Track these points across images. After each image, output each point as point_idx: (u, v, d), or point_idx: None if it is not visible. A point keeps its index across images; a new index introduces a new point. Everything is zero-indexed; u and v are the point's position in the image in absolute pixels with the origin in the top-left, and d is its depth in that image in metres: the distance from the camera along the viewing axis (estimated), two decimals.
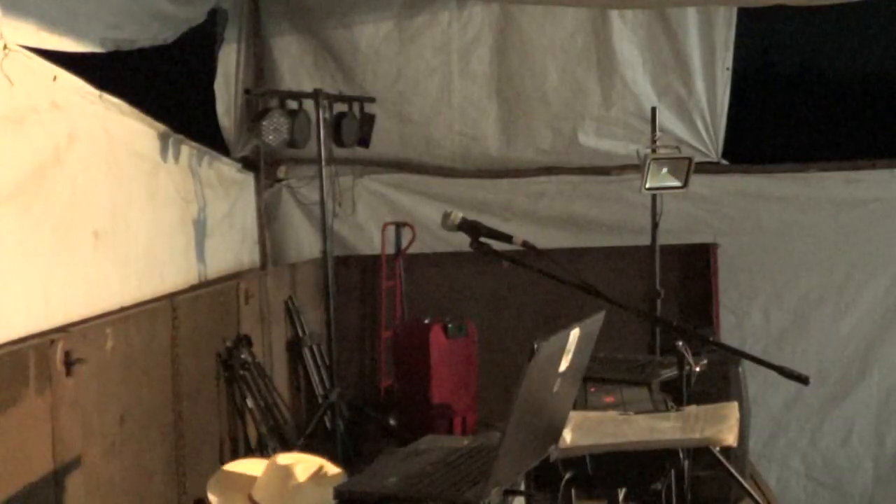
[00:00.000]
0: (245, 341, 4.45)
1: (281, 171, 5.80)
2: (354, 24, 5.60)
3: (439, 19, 5.62)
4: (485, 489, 2.21)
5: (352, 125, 5.13)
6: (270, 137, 4.65)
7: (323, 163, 4.87)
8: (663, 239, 4.88)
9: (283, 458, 2.78)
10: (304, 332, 5.33)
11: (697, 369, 3.44)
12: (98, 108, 3.75)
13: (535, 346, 2.11)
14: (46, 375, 2.90)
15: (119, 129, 3.92)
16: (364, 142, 5.25)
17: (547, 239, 5.34)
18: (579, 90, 5.65)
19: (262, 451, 4.44)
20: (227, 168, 5.29)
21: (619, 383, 3.80)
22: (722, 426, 2.98)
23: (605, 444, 2.93)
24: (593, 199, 5.75)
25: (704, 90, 5.61)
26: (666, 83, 5.62)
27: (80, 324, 3.23)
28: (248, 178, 5.62)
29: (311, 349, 5.35)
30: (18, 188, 3.12)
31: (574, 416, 2.98)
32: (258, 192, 5.71)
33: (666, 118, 5.44)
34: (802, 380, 2.67)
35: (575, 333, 2.34)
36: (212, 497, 2.66)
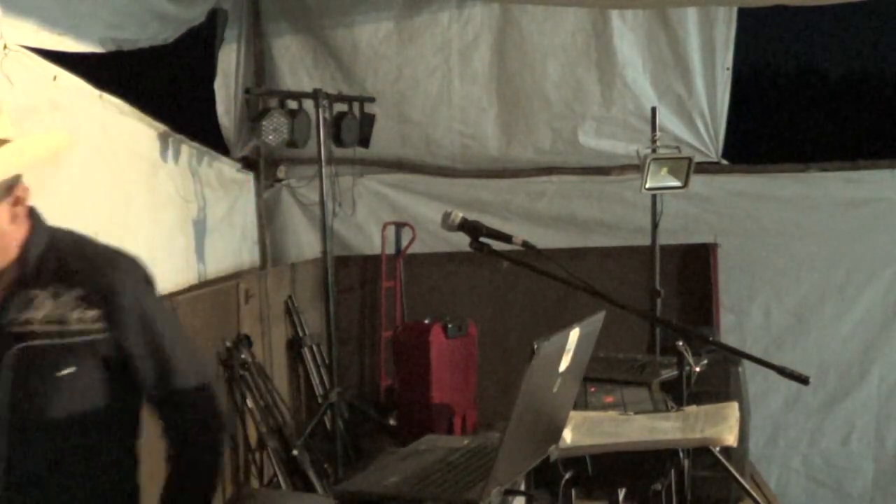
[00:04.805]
0: (245, 341, 4.45)
1: (281, 171, 5.80)
2: (354, 24, 5.60)
3: (439, 19, 5.62)
4: (485, 489, 2.21)
5: (352, 125, 5.13)
6: (270, 137, 4.65)
7: (323, 163, 4.88)
8: (663, 239, 4.88)
9: None
10: (304, 331, 5.34)
11: (697, 369, 3.44)
12: (98, 108, 3.74)
13: (535, 346, 2.11)
14: None
15: (119, 129, 3.92)
16: (364, 142, 5.25)
17: (547, 239, 5.35)
18: (579, 90, 5.65)
19: (262, 451, 4.44)
20: (227, 168, 5.28)
21: (619, 383, 3.80)
22: (722, 426, 2.98)
23: (605, 444, 2.93)
24: (593, 199, 5.75)
25: (704, 90, 5.61)
26: (666, 83, 5.62)
27: None
28: (248, 178, 5.62)
29: (311, 349, 5.35)
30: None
31: (574, 416, 2.98)
32: (258, 192, 5.71)
33: (666, 118, 5.45)
34: (802, 380, 2.67)
35: (575, 333, 2.33)
36: None
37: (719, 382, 3.99)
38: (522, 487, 2.54)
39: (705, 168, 5.53)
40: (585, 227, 5.76)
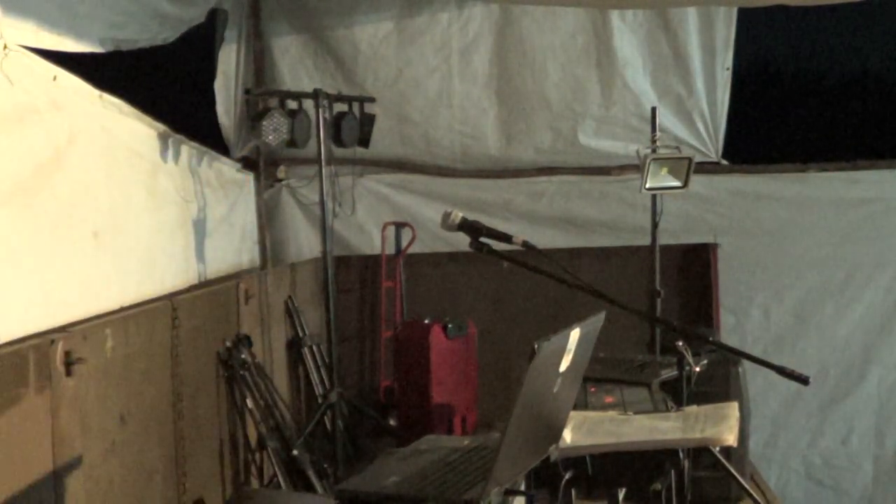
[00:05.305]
0: (245, 341, 4.45)
1: (281, 171, 5.81)
2: (354, 24, 5.60)
3: (439, 19, 5.63)
4: (485, 489, 2.21)
5: (352, 125, 5.13)
6: (270, 137, 4.64)
7: (323, 163, 4.87)
8: (663, 239, 4.88)
9: None
10: (304, 332, 5.33)
11: (697, 369, 3.44)
12: (98, 108, 3.74)
13: (536, 346, 2.12)
14: (46, 375, 2.90)
15: (119, 129, 3.92)
16: (364, 142, 5.25)
17: (547, 239, 5.35)
18: (579, 90, 5.66)
19: (262, 450, 4.44)
20: (227, 168, 5.29)
21: (619, 383, 3.80)
22: (722, 426, 2.98)
23: (605, 444, 2.94)
24: (593, 199, 5.76)
25: (704, 90, 5.61)
26: (666, 83, 5.62)
27: (80, 324, 3.23)
28: (248, 178, 5.62)
29: (311, 349, 5.35)
30: (18, 188, 3.12)
31: (574, 416, 2.98)
32: (258, 192, 5.71)
33: (666, 118, 5.45)
34: (802, 380, 2.67)
35: (575, 333, 2.34)
36: None
37: (719, 382, 3.99)
38: (522, 487, 2.54)
39: (705, 168, 5.53)
40: (585, 227, 5.76)
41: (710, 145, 5.68)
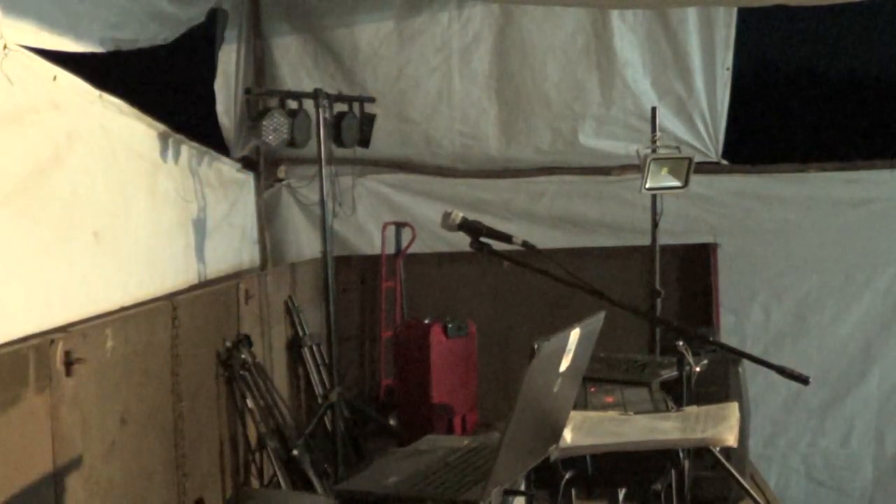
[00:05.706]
0: (245, 341, 4.45)
1: (281, 171, 5.81)
2: (354, 24, 5.60)
3: (439, 19, 5.63)
4: (485, 489, 2.21)
5: (352, 125, 5.13)
6: (270, 137, 4.64)
7: (323, 163, 4.87)
8: (663, 239, 4.89)
9: None
10: (304, 332, 5.33)
11: (697, 369, 3.44)
12: (98, 107, 3.74)
13: (536, 346, 2.12)
14: (46, 375, 2.90)
15: (119, 128, 3.92)
16: (364, 142, 5.25)
17: (547, 239, 5.34)
18: (579, 90, 5.66)
19: (262, 450, 4.45)
20: (227, 168, 5.29)
21: (619, 383, 3.80)
22: (722, 426, 2.98)
23: (605, 444, 2.93)
24: (593, 199, 5.76)
25: (704, 90, 5.61)
26: (666, 83, 5.63)
27: (80, 324, 3.23)
28: (248, 178, 5.62)
29: (311, 349, 5.35)
30: (18, 188, 3.12)
31: (574, 416, 2.98)
32: (258, 192, 5.71)
33: (666, 118, 5.45)
34: (802, 380, 2.67)
35: (575, 333, 2.34)
36: None
37: (719, 382, 3.99)
38: (522, 487, 2.54)
39: (705, 168, 5.53)
40: (585, 227, 5.76)
41: (710, 145, 5.68)
